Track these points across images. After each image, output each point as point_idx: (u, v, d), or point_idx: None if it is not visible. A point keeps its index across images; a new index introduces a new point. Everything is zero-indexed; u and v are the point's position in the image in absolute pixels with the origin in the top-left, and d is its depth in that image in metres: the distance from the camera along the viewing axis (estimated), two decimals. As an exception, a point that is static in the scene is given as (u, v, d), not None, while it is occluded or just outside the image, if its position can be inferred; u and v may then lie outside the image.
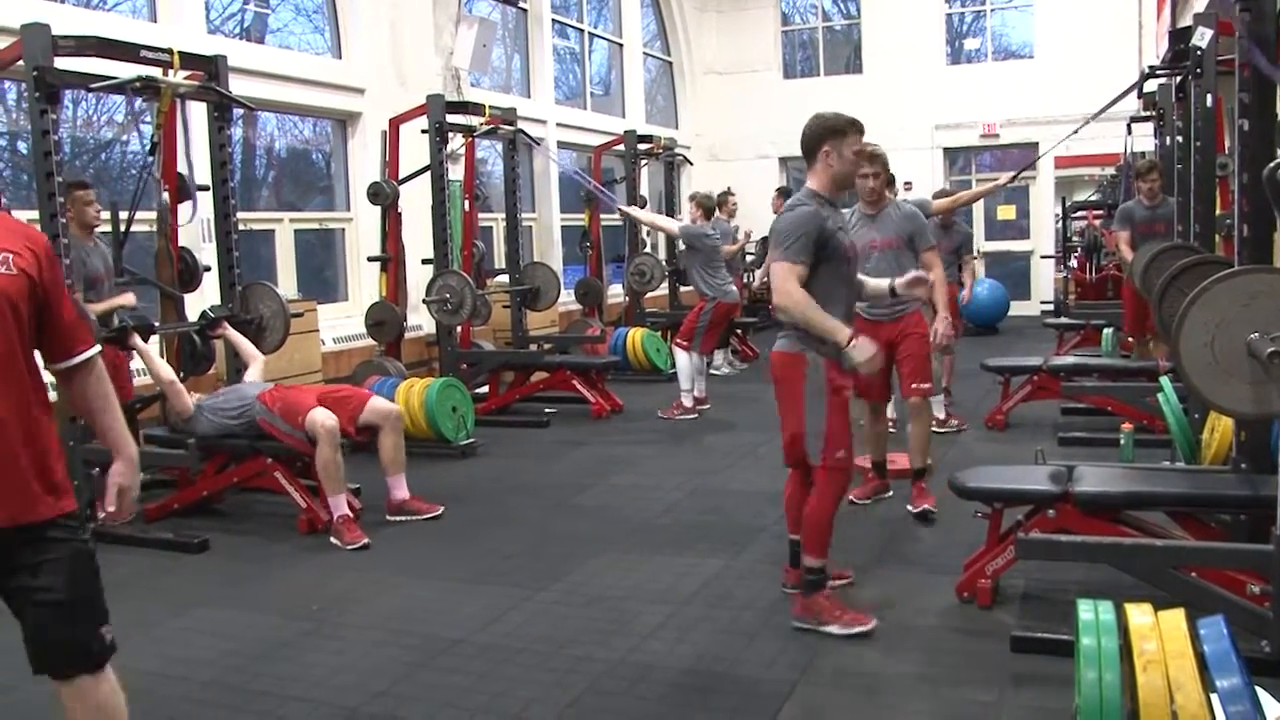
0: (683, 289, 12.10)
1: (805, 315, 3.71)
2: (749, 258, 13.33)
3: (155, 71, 5.80)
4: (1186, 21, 6.69)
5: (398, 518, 5.58)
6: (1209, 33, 5.30)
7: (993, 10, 16.34)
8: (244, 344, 6.06)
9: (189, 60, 5.95)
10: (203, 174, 6.52)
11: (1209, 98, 5.44)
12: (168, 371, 5.65)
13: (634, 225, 11.67)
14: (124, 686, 2.45)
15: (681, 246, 9.37)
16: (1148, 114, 9.10)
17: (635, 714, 3.31)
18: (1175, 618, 2.44)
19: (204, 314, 6.15)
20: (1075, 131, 8.38)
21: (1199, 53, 5.37)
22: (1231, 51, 3.86)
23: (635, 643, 3.85)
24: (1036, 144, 15.01)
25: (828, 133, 3.79)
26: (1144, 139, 10.14)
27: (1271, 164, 2.84)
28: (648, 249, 12.14)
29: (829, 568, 3.95)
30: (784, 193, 11.12)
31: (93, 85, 5.62)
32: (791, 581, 4.15)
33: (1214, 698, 2.22)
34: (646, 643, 3.85)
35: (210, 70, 6.05)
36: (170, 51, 5.80)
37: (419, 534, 5.42)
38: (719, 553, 4.89)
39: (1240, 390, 2.92)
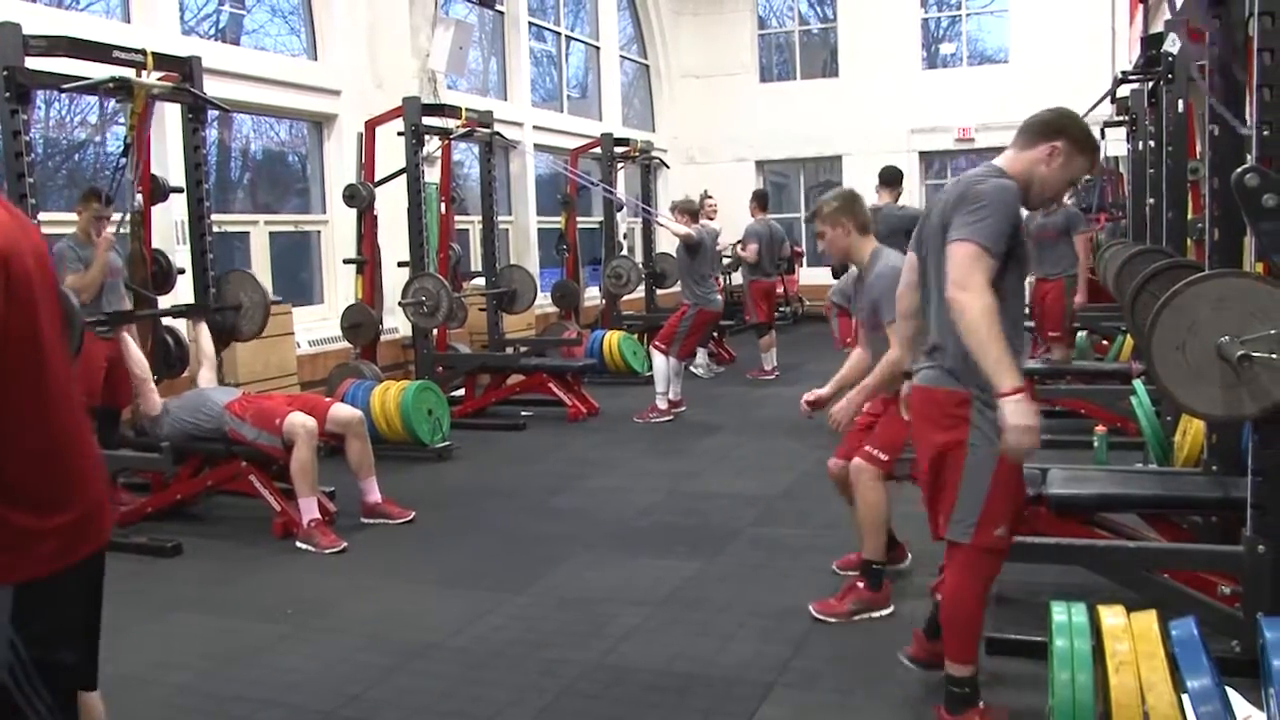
0: (659, 292, 12.12)
1: (983, 333, 2.70)
2: (725, 260, 13.35)
3: (128, 72, 5.75)
4: (1158, 28, 6.74)
5: (372, 520, 5.56)
6: (1179, 39, 5.35)
7: (968, 15, 16.46)
8: (205, 341, 6.03)
9: (163, 61, 5.90)
10: (177, 176, 6.48)
11: (1180, 103, 5.49)
12: (145, 366, 5.64)
13: (610, 228, 11.68)
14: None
15: (671, 251, 9.36)
16: (1120, 119, 9.17)
17: (611, 716, 3.31)
18: (1147, 619, 2.46)
19: (186, 305, 6.18)
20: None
21: (1170, 59, 5.42)
22: (1202, 57, 3.90)
23: (611, 645, 3.85)
24: (1011, 149, 15.11)
25: (1072, 133, 2.97)
26: (1117, 144, 10.22)
27: (1240, 169, 2.86)
28: (624, 252, 12.15)
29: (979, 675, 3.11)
30: (760, 197, 11.09)
31: (65, 86, 5.58)
32: (914, 655, 3.41)
33: (1185, 698, 2.24)
34: (622, 645, 3.85)
35: (184, 71, 6.01)
36: (144, 52, 5.76)
37: (394, 538, 5.40)
38: (696, 555, 4.90)
39: (1211, 393, 2.95)
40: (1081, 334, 8.88)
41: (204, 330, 6.07)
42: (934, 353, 3.02)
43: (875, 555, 4.06)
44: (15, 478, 1.87)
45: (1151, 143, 6.65)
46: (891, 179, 7.98)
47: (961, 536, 2.96)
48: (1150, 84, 6.82)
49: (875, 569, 4.06)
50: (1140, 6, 10.28)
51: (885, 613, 4.03)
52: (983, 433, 2.89)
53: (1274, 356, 2.83)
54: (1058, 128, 2.97)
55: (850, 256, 4.36)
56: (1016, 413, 2.68)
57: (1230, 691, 2.36)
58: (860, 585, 4.06)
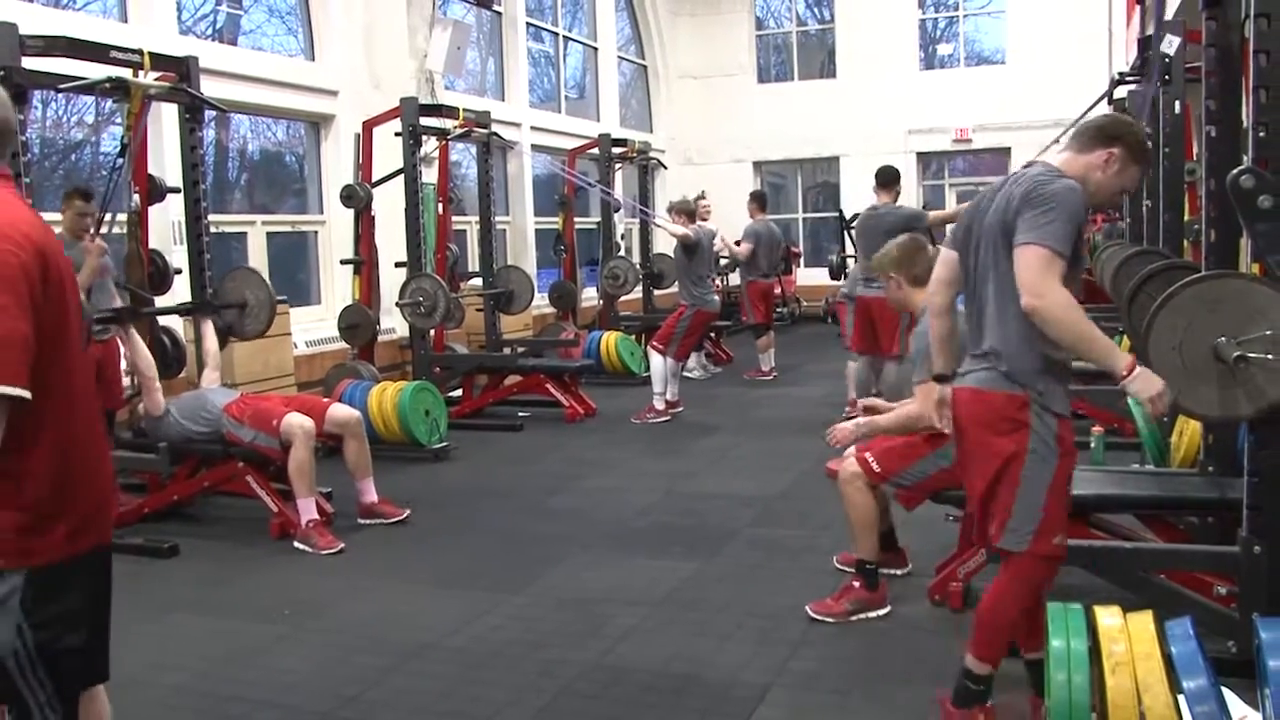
0: (657, 292, 12.12)
1: (1078, 329, 2.72)
2: (722, 261, 13.35)
3: (125, 72, 5.75)
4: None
5: (368, 521, 5.56)
6: (1177, 40, 5.37)
7: (965, 16, 16.48)
8: (211, 343, 6.03)
9: (160, 61, 5.89)
10: (174, 176, 6.47)
11: (1177, 104, 5.50)
12: (152, 365, 5.62)
13: (608, 228, 11.68)
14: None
15: (669, 252, 9.33)
16: (1117, 120, 9.18)
17: (609, 717, 3.31)
18: (1143, 620, 2.46)
19: (194, 302, 6.16)
20: (1057, 140, 8.46)
21: (1167, 60, 5.43)
22: (1199, 59, 3.90)
23: (608, 645, 3.85)
24: (1009, 149, 15.17)
25: (1128, 141, 2.94)
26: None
27: (1235, 170, 2.87)
28: (622, 252, 12.15)
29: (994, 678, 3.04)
30: (758, 198, 11.09)
31: (61, 86, 5.56)
32: None
33: (1181, 698, 2.25)
34: (620, 645, 3.85)
35: (181, 71, 6.00)
36: (140, 52, 5.75)
37: (391, 538, 5.40)
38: (693, 556, 4.90)
39: (1207, 394, 2.95)
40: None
41: (209, 330, 6.06)
42: (988, 356, 2.94)
43: (868, 555, 4.06)
44: (39, 465, 1.99)
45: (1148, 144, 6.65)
46: (888, 180, 7.92)
47: (1017, 545, 2.90)
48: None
49: (870, 568, 4.06)
50: (1137, 7, 10.29)
51: (882, 613, 4.03)
52: (1041, 437, 2.86)
53: (1269, 357, 2.83)
54: (1115, 134, 2.94)
55: (904, 307, 4.38)
56: (1145, 387, 2.74)
57: (1226, 692, 2.36)
58: (856, 585, 4.07)
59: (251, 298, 6.32)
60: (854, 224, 13.53)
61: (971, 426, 3.00)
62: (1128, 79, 7.19)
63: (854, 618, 4.00)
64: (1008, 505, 2.89)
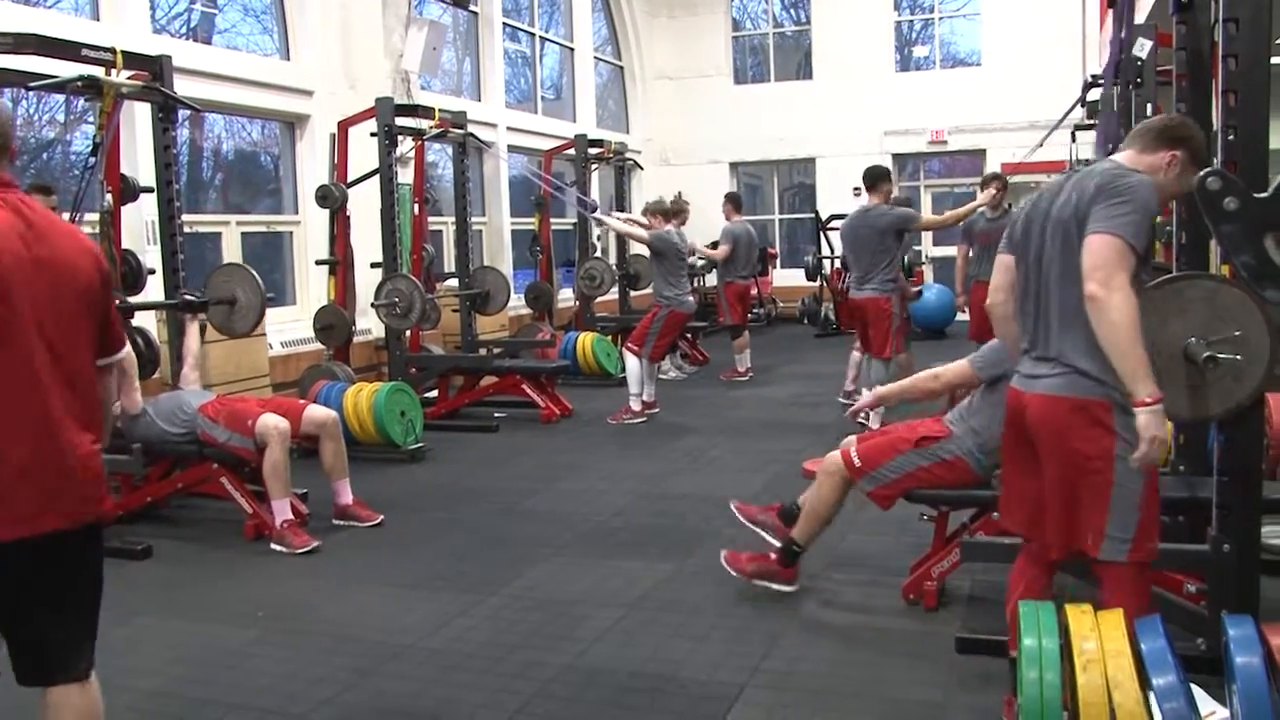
0: (633, 293, 12.12)
1: (1129, 337, 2.62)
2: (699, 263, 13.37)
3: (97, 71, 5.70)
4: (1127, 32, 6.80)
5: (343, 522, 5.54)
6: (1148, 43, 5.40)
7: (941, 19, 16.56)
8: (194, 341, 6.00)
9: (133, 60, 5.86)
10: (147, 176, 6.43)
11: (1149, 107, 5.53)
12: (134, 363, 5.57)
13: (584, 229, 11.68)
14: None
15: (641, 253, 9.32)
16: (1091, 122, 9.26)
17: (584, 718, 3.31)
18: (1114, 618, 2.48)
19: (184, 300, 6.11)
20: (1041, 144, 8.58)
21: (1139, 63, 5.47)
22: (1170, 62, 3.94)
23: (584, 647, 3.85)
24: (984, 151, 15.27)
25: (1191, 145, 2.92)
26: (1088, 147, 10.31)
27: (1202, 172, 2.89)
28: (598, 253, 12.15)
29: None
30: (734, 199, 11.11)
31: (32, 84, 5.51)
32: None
33: (1151, 695, 2.27)
34: (595, 647, 3.85)
35: (155, 70, 5.97)
36: (113, 51, 5.71)
37: (366, 539, 5.38)
38: (668, 557, 4.90)
39: (1178, 394, 2.97)
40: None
41: (194, 328, 6.03)
42: (1053, 361, 2.85)
43: (801, 540, 4.23)
44: None
45: (1121, 146, 6.69)
46: (875, 180, 7.63)
47: (1118, 555, 2.80)
48: (1119, 88, 6.87)
49: (795, 550, 4.23)
50: (1110, 10, 10.37)
51: (786, 589, 4.25)
52: (1127, 441, 2.73)
53: (1238, 358, 2.87)
54: (1179, 136, 2.92)
55: None
56: (1156, 423, 2.62)
57: (1195, 688, 2.39)
58: (774, 557, 4.27)
59: (242, 295, 6.28)
60: (830, 225, 13.65)
61: (1050, 434, 2.87)
62: (1100, 81, 7.24)
63: (755, 582, 4.28)
64: (1101, 514, 2.80)
